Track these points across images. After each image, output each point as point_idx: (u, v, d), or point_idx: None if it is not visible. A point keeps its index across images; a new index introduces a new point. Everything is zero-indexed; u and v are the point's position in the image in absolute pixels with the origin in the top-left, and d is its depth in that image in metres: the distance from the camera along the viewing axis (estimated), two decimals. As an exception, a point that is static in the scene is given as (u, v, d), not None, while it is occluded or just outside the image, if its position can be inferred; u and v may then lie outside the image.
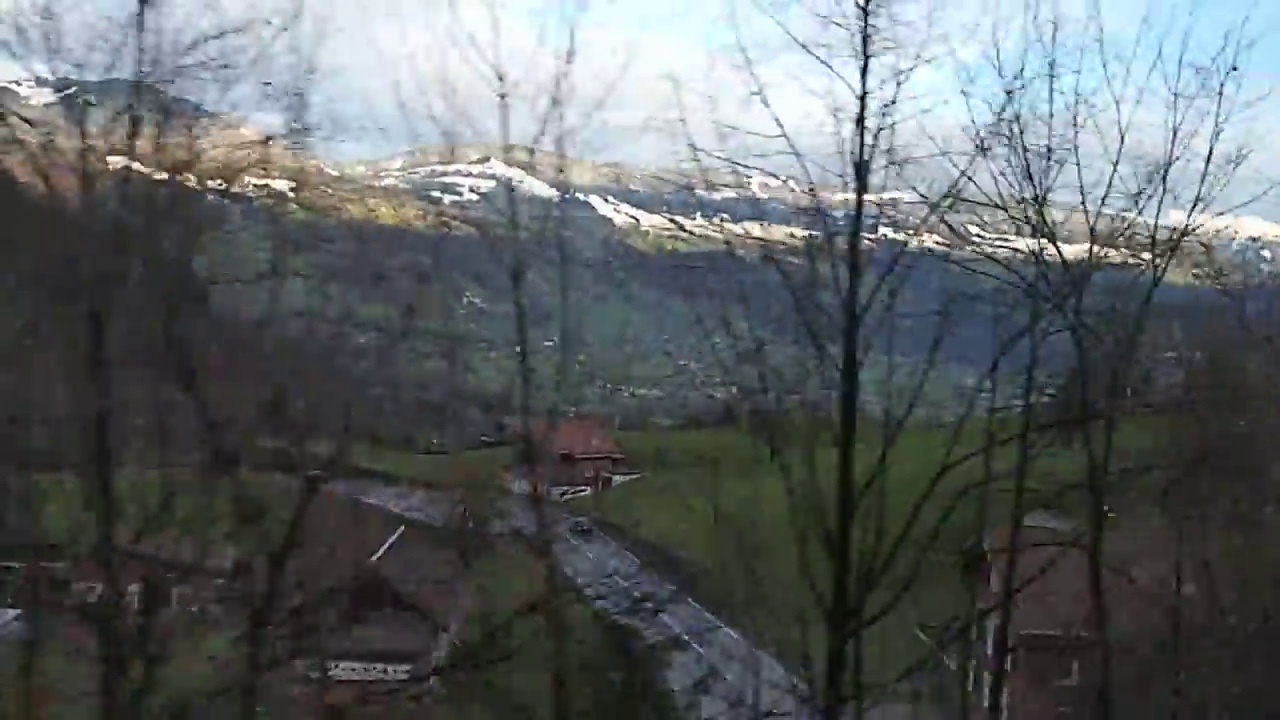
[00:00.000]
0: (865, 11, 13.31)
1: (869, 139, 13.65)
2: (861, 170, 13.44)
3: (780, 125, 13.89)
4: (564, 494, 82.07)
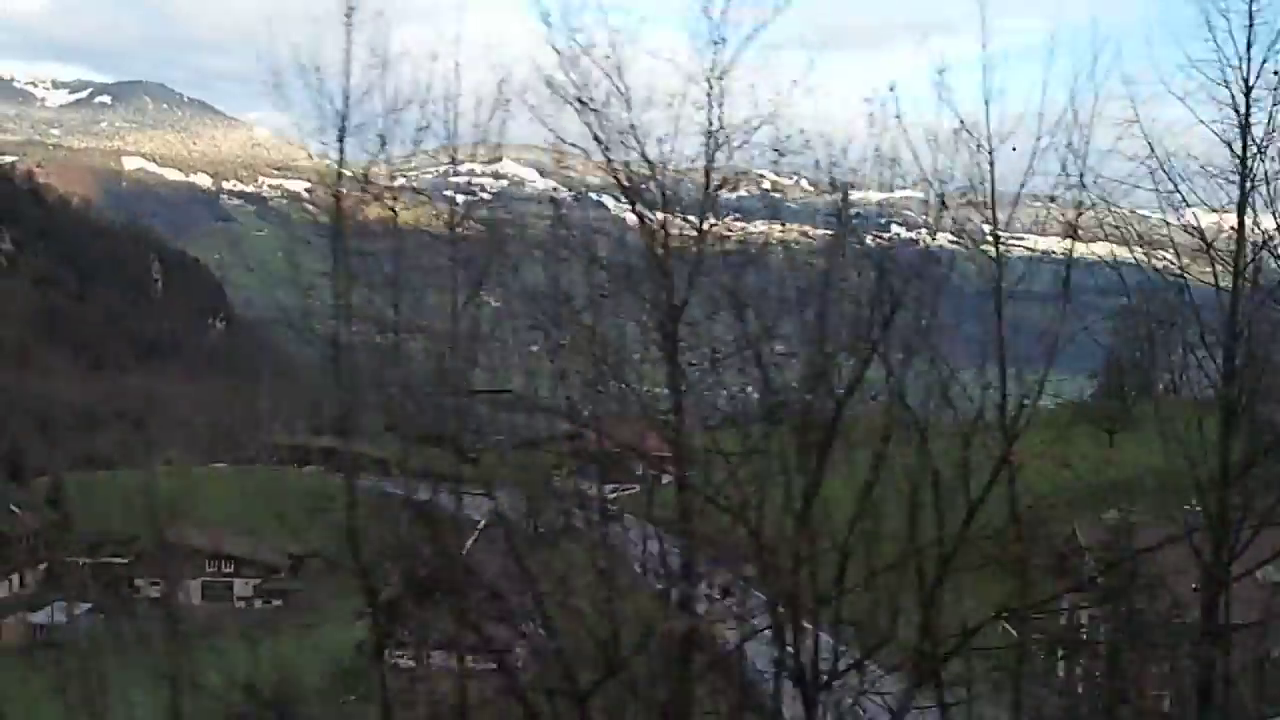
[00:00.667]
0: None
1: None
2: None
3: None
4: (616, 491, 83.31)
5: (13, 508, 77.35)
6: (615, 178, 13.46)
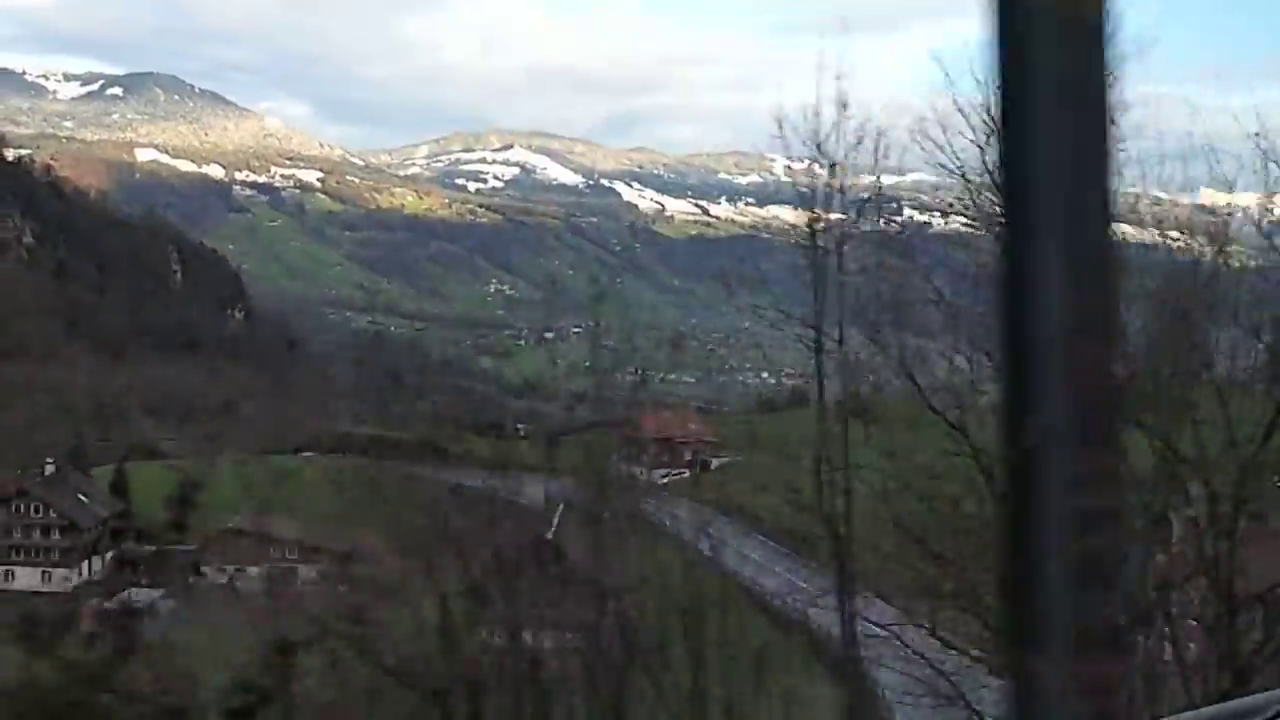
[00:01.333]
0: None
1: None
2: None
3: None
4: (664, 477, 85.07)
5: (80, 496, 78.87)
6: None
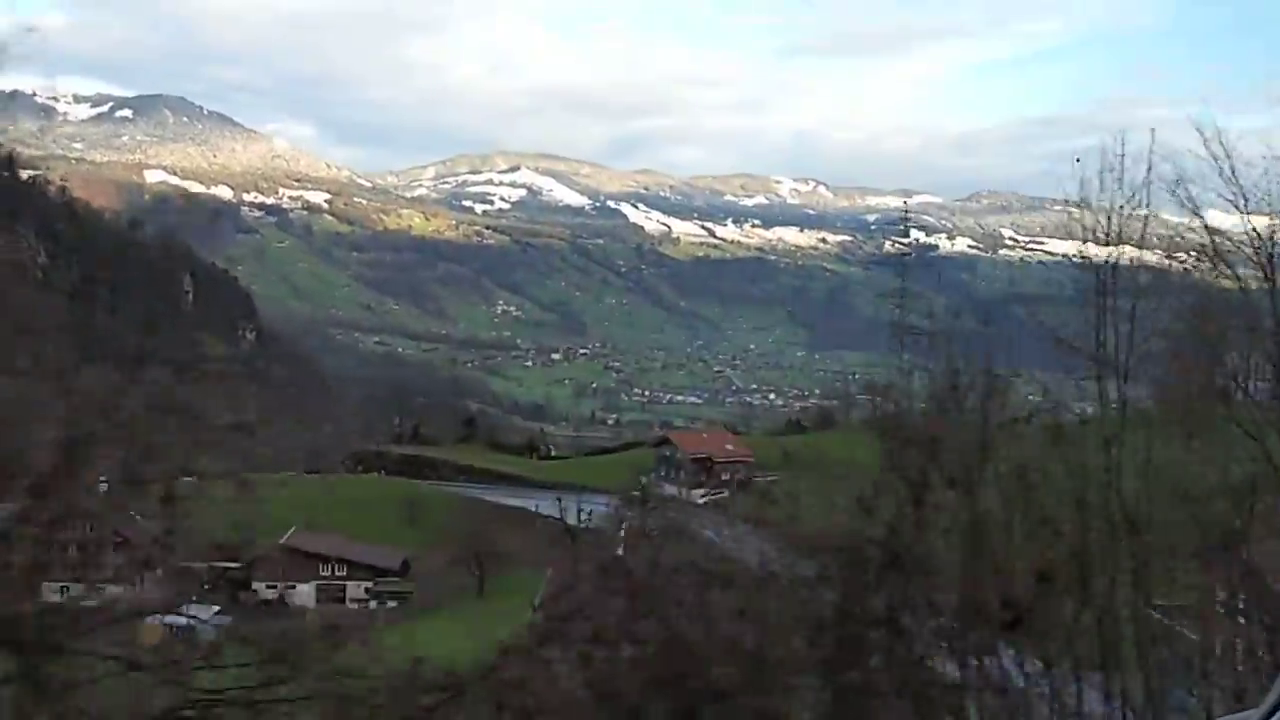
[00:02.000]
0: None
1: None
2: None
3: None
4: (703, 496, 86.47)
5: (133, 513, 79.37)
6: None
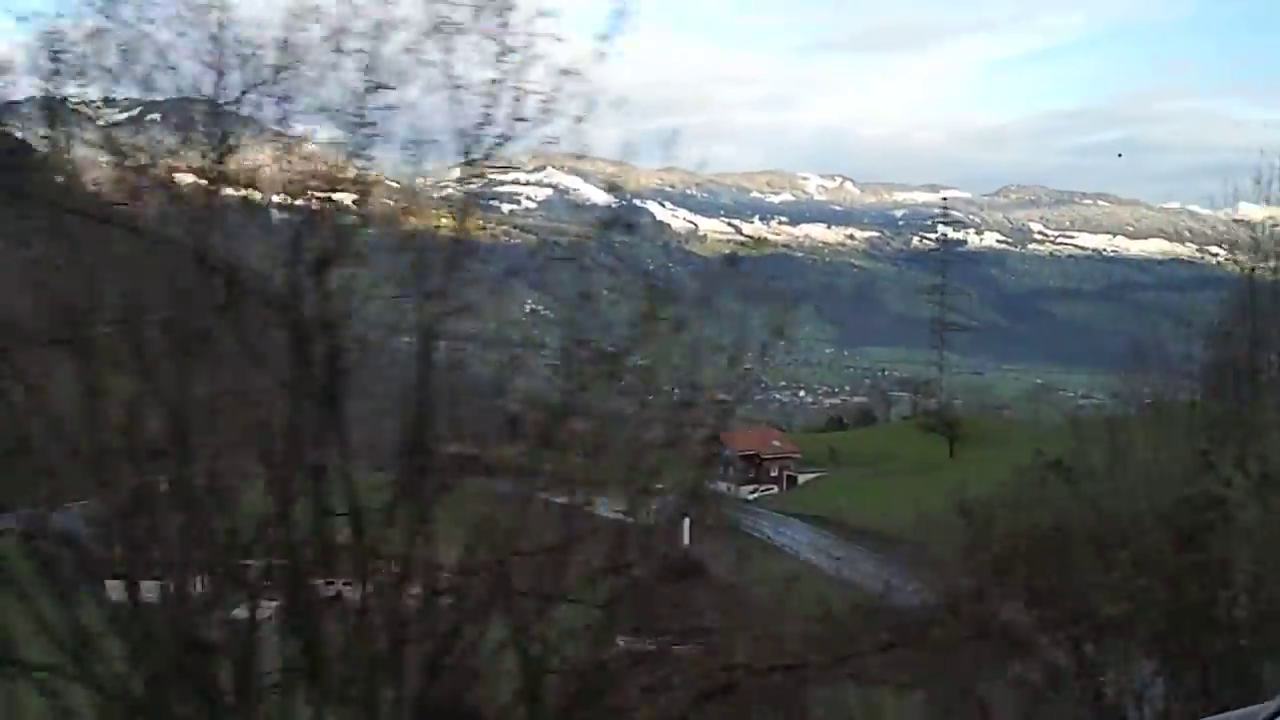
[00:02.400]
0: None
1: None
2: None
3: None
4: (753, 492, 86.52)
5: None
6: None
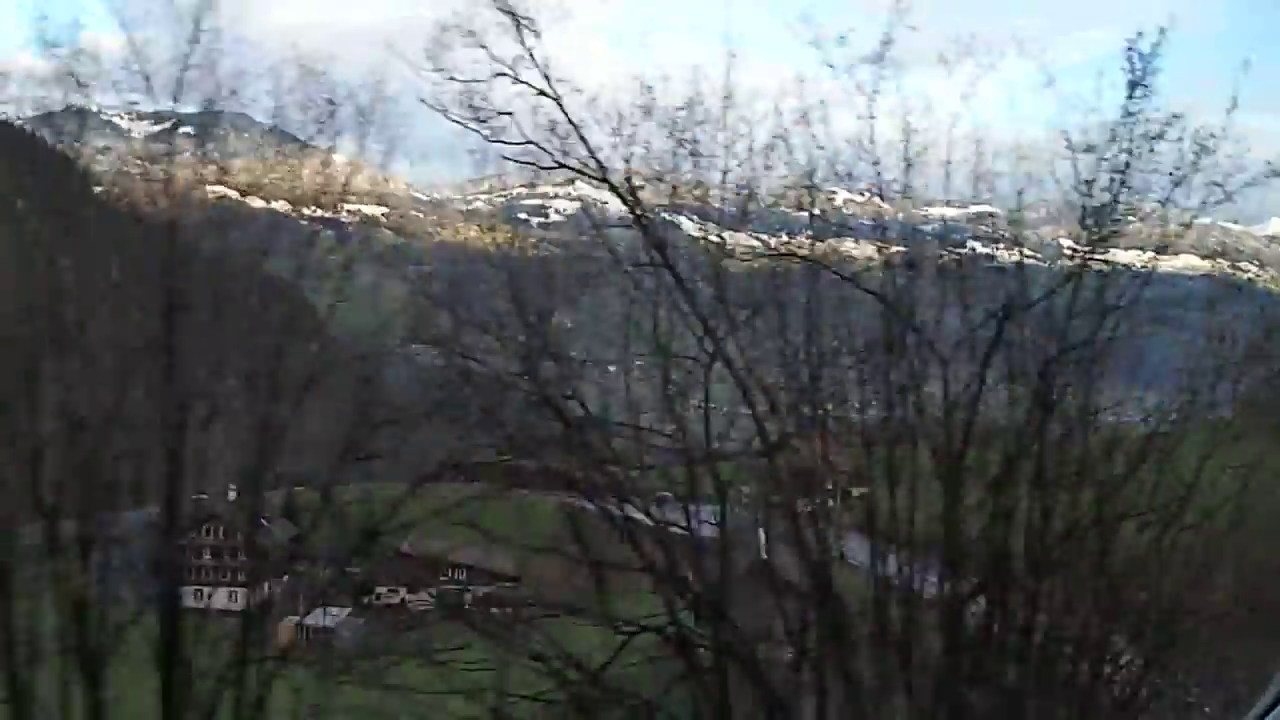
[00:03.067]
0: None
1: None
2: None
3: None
4: (807, 505, 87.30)
5: (262, 519, 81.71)
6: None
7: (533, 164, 13.87)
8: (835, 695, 13.39)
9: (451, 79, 13.24)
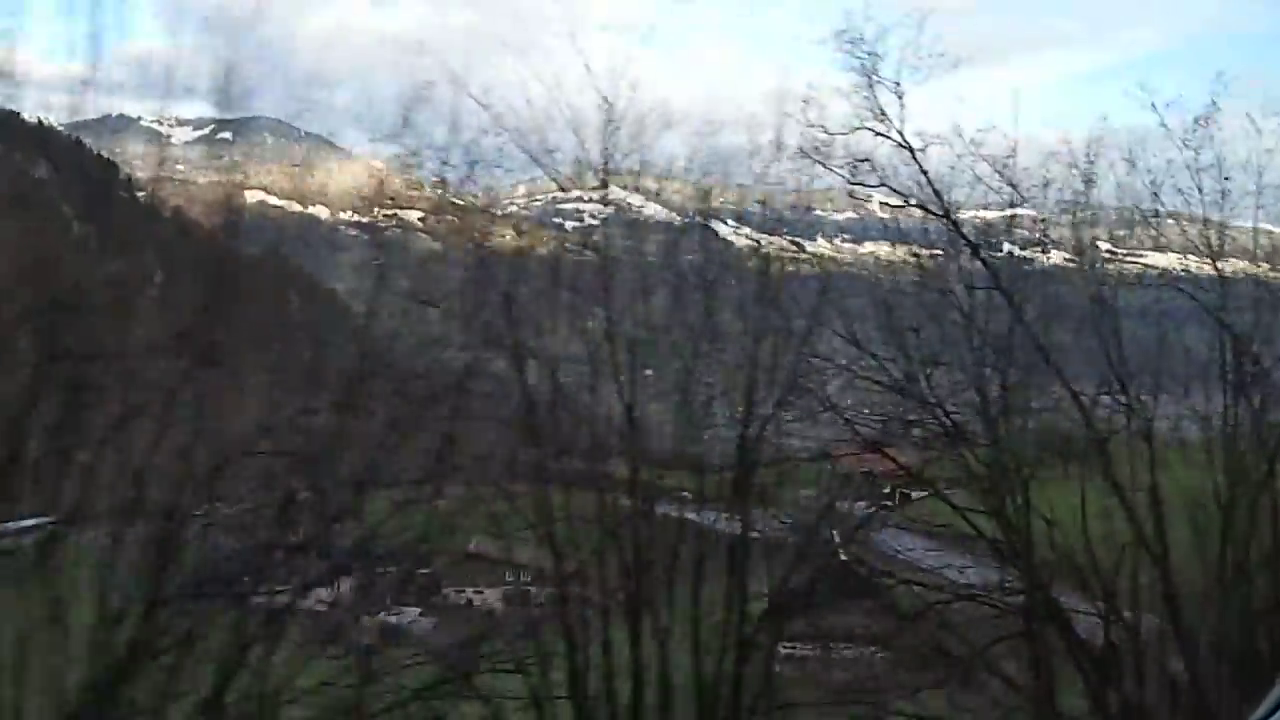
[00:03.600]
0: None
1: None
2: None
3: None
4: (869, 508, 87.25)
5: (332, 519, 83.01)
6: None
7: (885, 203, 15.36)
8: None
9: (825, 130, 13.82)
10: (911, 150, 14.60)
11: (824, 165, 14.85)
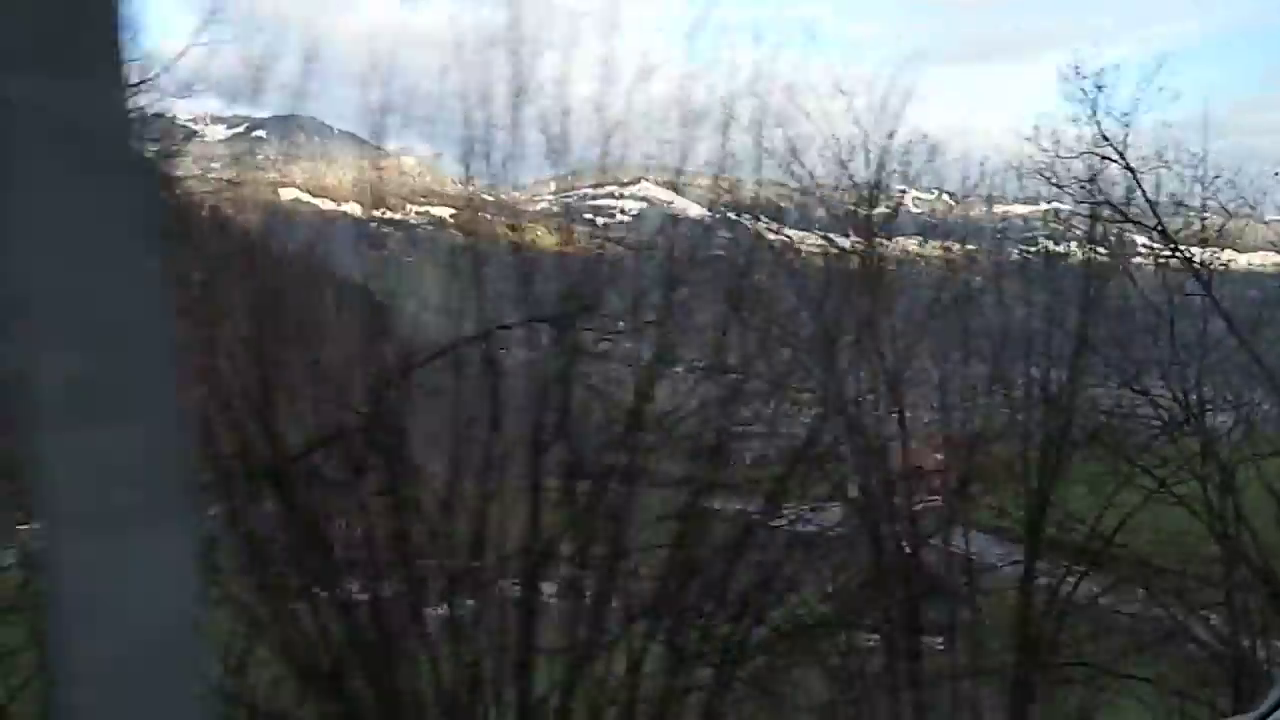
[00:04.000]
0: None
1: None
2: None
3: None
4: (919, 504, 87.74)
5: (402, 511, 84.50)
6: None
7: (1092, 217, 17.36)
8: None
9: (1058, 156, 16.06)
10: (1134, 172, 16.64)
11: (1058, 187, 15.62)
